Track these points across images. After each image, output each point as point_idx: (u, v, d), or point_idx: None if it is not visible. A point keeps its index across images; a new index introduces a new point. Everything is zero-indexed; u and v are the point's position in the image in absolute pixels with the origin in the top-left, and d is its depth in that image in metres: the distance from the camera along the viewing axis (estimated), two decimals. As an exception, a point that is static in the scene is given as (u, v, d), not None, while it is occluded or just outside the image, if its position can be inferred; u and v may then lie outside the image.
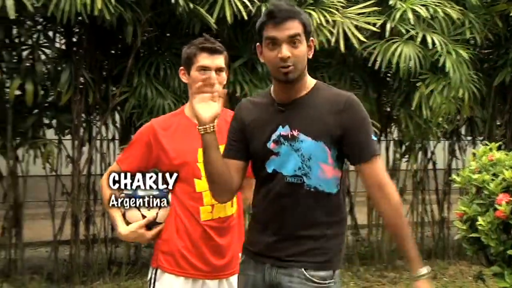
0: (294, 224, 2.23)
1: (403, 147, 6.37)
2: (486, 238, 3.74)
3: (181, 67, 2.64)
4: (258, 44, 2.26)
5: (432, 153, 6.74)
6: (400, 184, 6.42)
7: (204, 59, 2.54)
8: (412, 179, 6.52)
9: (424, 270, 2.14)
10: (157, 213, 2.54)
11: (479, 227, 3.76)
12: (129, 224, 2.54)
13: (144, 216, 2.53)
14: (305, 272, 2.23)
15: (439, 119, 5.82)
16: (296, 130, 2.21)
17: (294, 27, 2.17)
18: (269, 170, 2.24)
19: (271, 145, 2.23)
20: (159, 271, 2.61)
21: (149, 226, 2.57)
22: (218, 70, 2.56)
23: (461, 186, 4.22)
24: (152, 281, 2.62)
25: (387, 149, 6.49)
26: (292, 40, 2.17)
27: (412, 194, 6.56)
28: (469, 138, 7.18)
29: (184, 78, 2.64)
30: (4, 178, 5.31)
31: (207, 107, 2.19)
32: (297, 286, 2.23)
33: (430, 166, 6.72)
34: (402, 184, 6.42)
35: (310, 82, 2.29)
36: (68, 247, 5.54)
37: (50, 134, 5.47)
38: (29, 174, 5.21)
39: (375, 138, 2.25)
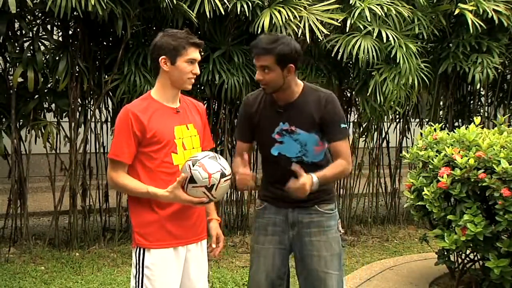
0: None
1: (361, 128, 6.39)
2: (430, 205, 3.91)
3: (163, 56, 2.48)
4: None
5: (386, 133, 6.78)
6: (358, 160, 6.46)
7: (193, 53, 2.51)
8: (368, 155, 6.55)
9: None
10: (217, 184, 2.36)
11: (425, 196, 3.93)
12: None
13: (206, 194, 2.37)
14: (318, 207, 2.70)
15: (391, 103, 5.84)
16: (294, 126, 2.64)
17: (266, 60, 2.55)
18: (275, 153, 2.68)
19: (275, 135, 2.67)
20: (142, 249, 2.50)
21: (209, 198, 2.42)
22: (198, 62, 2.58)
23: (410, 161, 4.42)
24: (140, 258, 2.50)
25: (347, 129, 6.49)
26: (263, 69, 2.57)
27: (369, 169, 6.58)
28: (417, 120, 7.22)
29: (165, 67, 2.49)
30: (9, 156, 5.24)
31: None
32: (315, 219, 2.70)
33: (384, 144, 6.76)
34: (360, 160, 6.46)
35: (298, 87, 2.67)
36: (67, 216, 5.51)
37: (49, 116, 5.40)
38: (31, 152, 5.14)
39: (344, 126, 2.65)
